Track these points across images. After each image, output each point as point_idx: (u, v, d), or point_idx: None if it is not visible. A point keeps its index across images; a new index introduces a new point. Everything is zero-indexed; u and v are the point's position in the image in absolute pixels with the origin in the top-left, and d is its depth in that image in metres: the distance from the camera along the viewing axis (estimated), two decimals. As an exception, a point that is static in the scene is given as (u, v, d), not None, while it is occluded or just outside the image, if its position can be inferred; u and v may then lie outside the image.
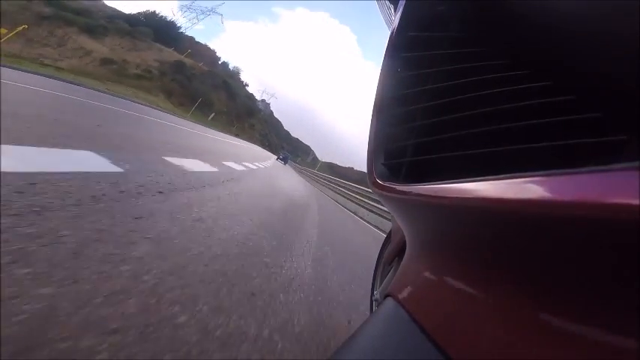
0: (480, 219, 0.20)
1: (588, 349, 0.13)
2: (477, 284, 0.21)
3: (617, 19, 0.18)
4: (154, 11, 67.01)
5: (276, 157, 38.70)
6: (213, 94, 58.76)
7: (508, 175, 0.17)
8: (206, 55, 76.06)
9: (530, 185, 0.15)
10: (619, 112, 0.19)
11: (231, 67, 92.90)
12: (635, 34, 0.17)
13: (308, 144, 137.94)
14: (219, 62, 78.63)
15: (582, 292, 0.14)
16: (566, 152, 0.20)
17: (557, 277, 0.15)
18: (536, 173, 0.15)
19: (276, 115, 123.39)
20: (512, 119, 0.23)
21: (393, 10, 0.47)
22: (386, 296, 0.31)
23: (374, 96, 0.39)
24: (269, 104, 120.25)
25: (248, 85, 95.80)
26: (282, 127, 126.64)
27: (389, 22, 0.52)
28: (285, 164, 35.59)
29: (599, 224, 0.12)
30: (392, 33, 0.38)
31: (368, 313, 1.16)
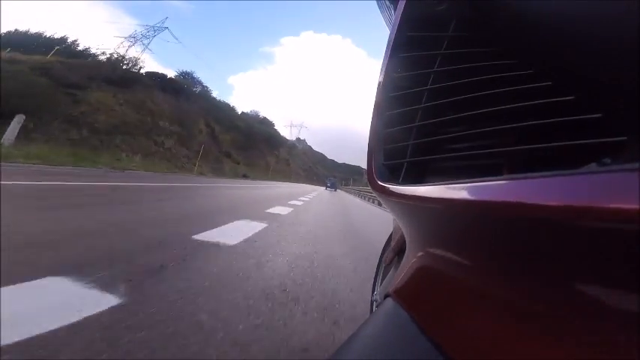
0: (480, 219, 0.20)
1: (589, 349, 0.13)
2: (477, 285, 0.21)
3: (618, 18, 0.18)
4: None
5: (324, 187, 38.15)
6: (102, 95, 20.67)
7: (508, 175, 0.17)
8: (228, 112, 53.85)
9: (529, 186, 0.15)
10: (619, 113, 0.19)
11: (249, 112, 77.83)
12: (635, 34, 0.17)
13: (356, 165, 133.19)
14: (239, 114, 63.44)
15: (582, 293, 0.14)
16: (566, 153, 0.20)
17: (557, 278, 0.15)
18: (536, 174, 0.15)
19: (315, 148, 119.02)
20: (513, 119, 0.23)
21: (392, 10, 0.47)
22: (385, 296, 0.31)
23: (374, 96, 0.39)
24: (304, 140, 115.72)
25: (274, 125, 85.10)
26: (326, 157, 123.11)
27: (389, 22, 0.52)
28: (334, 190, 35.50)
29: (599, 225, 0.12)
30: (391, 33, 0.38)
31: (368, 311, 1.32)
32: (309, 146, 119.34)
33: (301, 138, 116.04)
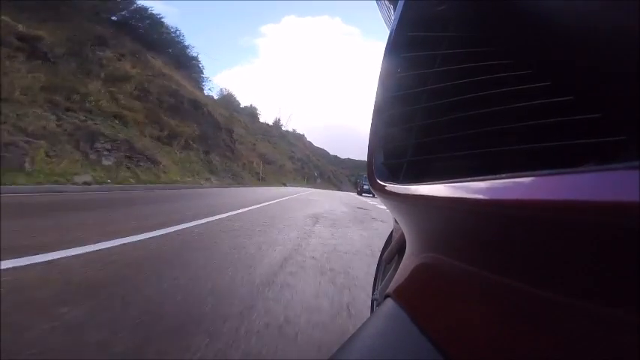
0: (479, 219, 0.20)
1: (590, 348, 0.13)
2: (476, 284, 0.21)
3: (617, 18, 0.18)
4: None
5: (357, 191, 25.12)
6: None
7: (507, 174, 0.17)
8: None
9: (529, 185, 0.15)
10: (618, 113, 0.19)
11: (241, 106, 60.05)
12: (635, 34, 0.17)
13: (361, 159, 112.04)
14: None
15: (582, 293, 0.14)
16: (566, 152, 0.20)
17: (557, 277, 0.15)
18: (536, 173, 0.15)
19: (316, 144, 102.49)
20: (512, 119, 0.23)
21: (392, 10, 0.47)
22: (385, 297, 0.31)
23: (374, 96, 0.39)
24: (303, 135, 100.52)
25: (260, 114, 63.54)
26: (329, 153, 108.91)
27: (388, 21, 0.52)
28: (374, 195, 12.50)
29: (598, 224, 0.12)
30: (391, 33, 0.38)
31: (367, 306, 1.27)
32: (309, 141, 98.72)
33: (300, 132, 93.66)
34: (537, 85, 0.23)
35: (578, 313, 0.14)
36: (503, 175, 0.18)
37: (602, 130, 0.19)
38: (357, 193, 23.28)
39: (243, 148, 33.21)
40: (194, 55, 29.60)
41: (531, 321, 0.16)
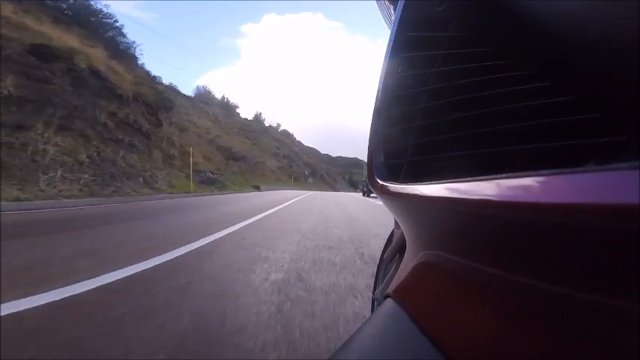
0: (479, 219, 0.20)
1: (590, 348, 0.13)
2: (476, 285, 0.21)
3: (617, 18, 0.18)
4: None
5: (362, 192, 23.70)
6: None
7: (507, 174, 0.17)
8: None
9: (529, 185, 0.15)
10: (618, 113, 0.19)
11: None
12: (635, 34, 0.16)
13: (353, 156, 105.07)
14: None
15: (582, 293, 0.14)
16: (565, 153, 0.20)
17: (557, 278, 0.15)
18: (536, 173, 0.15)
19: (306, 144, 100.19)
20: (512, 119, 0.23)
21: (392, 10, 0.47)
22: (386, 297, 0.32)
23: (374, 96, 0.39)
24: (292, 134, 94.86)
25: (239, 109, 60.92)
26: (320, 152, 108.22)
27: (388, 21, 0.52)
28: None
29: (599, 224, 0.12)
30: (391, 33, 0.38)
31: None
32: (299, 141, 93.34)
33: (289, 131, 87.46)
34: (537, 85, 0.23)
35: (579, 313, 0.14)
36: (503, 175, 0.17)
37: (603, 130, 0.19)
38: (363, 194, 21.38)
39: (191, 136, 23.87)
40: (99, 9, 20.53)
41: (531, 321, 0.16)
